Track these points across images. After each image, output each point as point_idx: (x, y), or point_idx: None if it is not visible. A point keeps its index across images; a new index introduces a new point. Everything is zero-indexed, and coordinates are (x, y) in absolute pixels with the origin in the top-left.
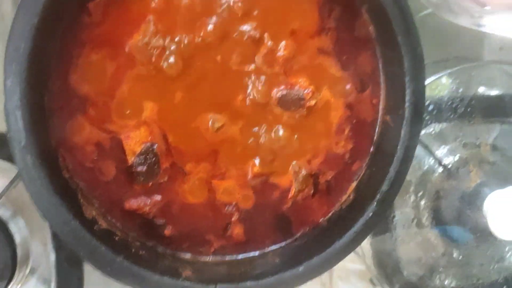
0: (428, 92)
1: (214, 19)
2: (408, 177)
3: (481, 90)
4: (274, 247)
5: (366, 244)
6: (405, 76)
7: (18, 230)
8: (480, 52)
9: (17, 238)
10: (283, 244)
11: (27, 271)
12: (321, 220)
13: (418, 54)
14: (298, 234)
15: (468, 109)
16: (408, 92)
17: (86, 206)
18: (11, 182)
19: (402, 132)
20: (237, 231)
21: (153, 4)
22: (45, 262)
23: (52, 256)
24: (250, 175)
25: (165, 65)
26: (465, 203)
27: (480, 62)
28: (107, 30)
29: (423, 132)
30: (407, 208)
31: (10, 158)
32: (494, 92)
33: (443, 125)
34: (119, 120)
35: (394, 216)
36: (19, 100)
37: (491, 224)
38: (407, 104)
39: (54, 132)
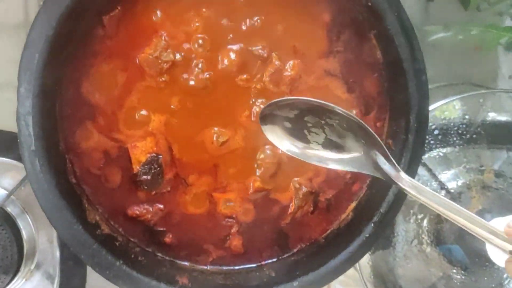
0: (437, 114)
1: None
2: (412, 198)
3: (490, 117)
4: (270, 260)
5: (365, 264)
6: (409, 102)
7: (26, 226)
8: (492, 78)
9: (25, 234)
10: (279, 258)
11: (33, 266)
12: (318, 237)
13: (423, 81)
14: (295, 250)
15: (474, 136)
16: (411, 118)
17: (90, 211)
18: (21, 182)
19: (403, 157)
20: (235, 242)
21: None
22: (50, 259)
23: (57, 253)
24: (251, 190)
25: (190, 79)
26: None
27: (490, 90)
28: (119, 42)
29: (427, 155)
30: (409, 227)
31: (20, 158)
32: (502, 119)
33: (448, 149)
34: (126, 129)
35: (395, 235)
36: (30, 106)
37: (490, 251)
38: (409, 130)
39: (63, 137)
